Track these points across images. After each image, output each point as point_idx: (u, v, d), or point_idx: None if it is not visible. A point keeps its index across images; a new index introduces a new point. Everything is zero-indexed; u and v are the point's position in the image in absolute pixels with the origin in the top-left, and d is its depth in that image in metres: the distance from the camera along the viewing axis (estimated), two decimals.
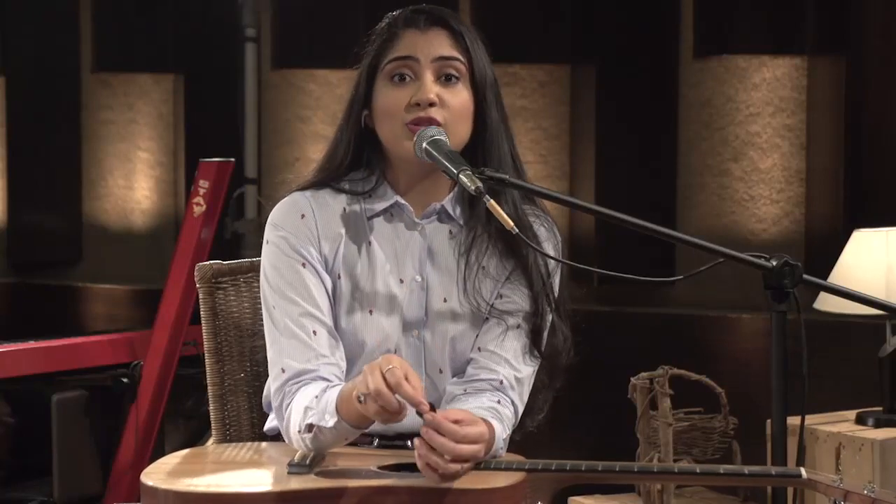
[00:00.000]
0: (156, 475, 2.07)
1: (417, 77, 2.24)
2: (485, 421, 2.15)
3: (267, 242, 2.28)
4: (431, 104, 2.22)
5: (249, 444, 2.33)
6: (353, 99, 2.31)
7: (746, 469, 2.06)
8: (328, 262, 2.28)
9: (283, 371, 2.22)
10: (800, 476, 2.01)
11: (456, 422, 2.01)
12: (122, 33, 5.91)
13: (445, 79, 2.25)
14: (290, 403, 2.20)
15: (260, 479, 2.09)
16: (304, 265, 2.24)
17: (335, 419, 2.09)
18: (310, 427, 2.13)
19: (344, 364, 2.25)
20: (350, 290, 2.27)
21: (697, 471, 2.12)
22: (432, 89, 2.23)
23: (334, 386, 2.16)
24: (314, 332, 2.22)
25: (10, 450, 4.53)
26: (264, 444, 2.32)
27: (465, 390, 2.26)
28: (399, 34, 2.27)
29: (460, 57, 2.25)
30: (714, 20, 4.93)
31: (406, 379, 1.99)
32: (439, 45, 2.25)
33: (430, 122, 2.21)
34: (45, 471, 4.39)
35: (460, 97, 2.25)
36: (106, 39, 5.96)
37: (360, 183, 2.31)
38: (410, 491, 2.01)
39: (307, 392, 2.18)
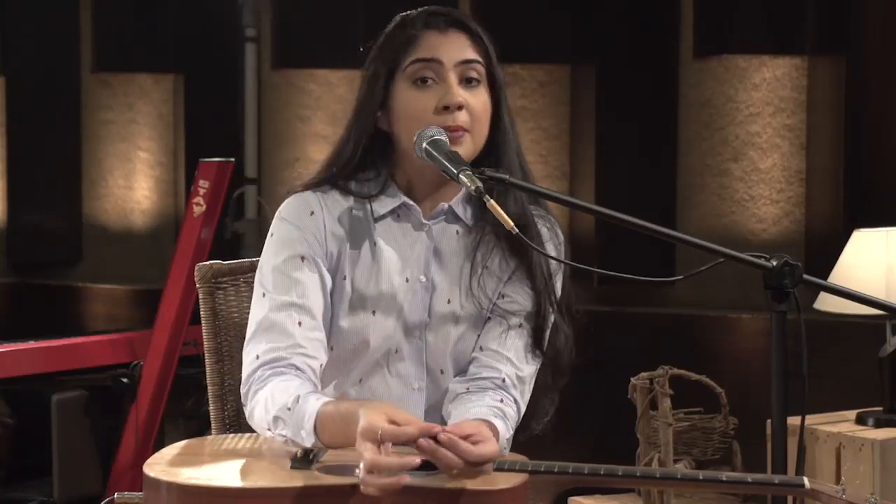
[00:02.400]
0: (159, 466, 2.06)
1: (441, 80, 2.24)
2: (488, 421, 2.15)
3: (271, 235, 2.28)
4: (460, 107, 2.22)
5: (251, 434, 2.32)
6: (366, 99, 2.29)
7: (749, 477, 2.05)
8: (333, 260, 2.27)
9: (258, 357, 2.21)
10: (803, 485, 2.00)
11: (467, 437, 2.00)
12: (122, 33, 5.91)
13: (467, 82, 2.25)
14: (258, 390, 2.18)
15: (263, 475, 2.09)
16: (303, 259, 2.24)
17: (313, 439, 2.08)
18: (283, 436, 2.13)
19: (322, 360, 2.23)
20: (354, 291, 2.27)
21: (700, 477, 2.11)
22: (459, 92, 2.23)
23: (308, 396, 2.12)
24: (299, 323, 2.21)
25: (10, 450, 4.53)
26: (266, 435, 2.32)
27: (468, 389, 2.26)
28: (418, 35, 2.26)
29: (481, 60, 2.26)
30: (714, 20, 4.93)
31: (394, 421, 1.96)
32: (461, 47, 2.26)
33: (459, 129, 2.21)
34: (45, 471, 4.39)
35: (482, 100, 2.26)
36: (106, 39, 5.96)
37: (366, 184, 2.31)
38: (412, 490, 2.01)
39: (276, 388, 2.16)
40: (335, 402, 2.10)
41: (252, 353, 2.22)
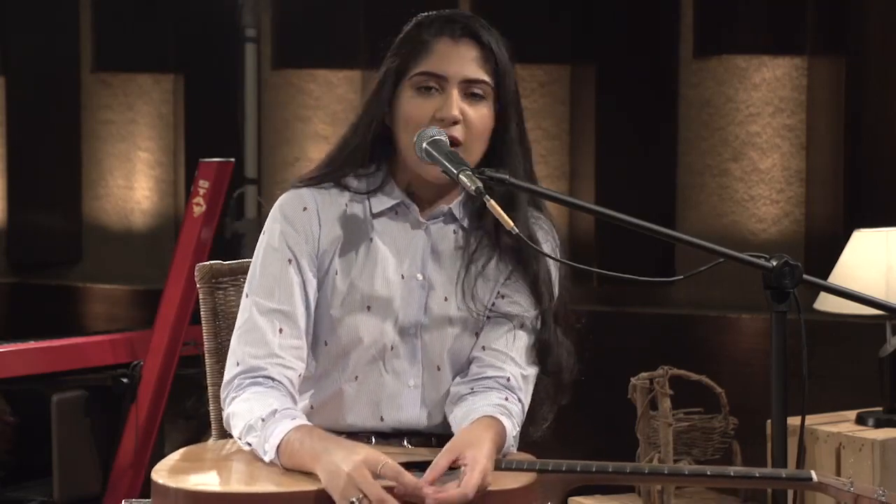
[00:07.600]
0: (166, 472, 2.06)
1: (443, 90, 2.24)
2: (494, 418, 2.16)
3: (264, 233, 2.30)
4: (455, 122, 2.22)
5: None
6: (375, 97, 2.30)
7: (757, 471, 2.05)
8: (325, 258, 2.28)
9: (238, 364, 2.23)
10: (810, 479, 2.00)
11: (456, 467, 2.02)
12: (122, 33, 5.91)
13: (471, 96, 2.26)
14: (235, 398, 2.21)
15: (271, 479, 2.08)
16: (290, 261, 2.25)
17: (273, 457, 2.09)
18: (249, 444, 2.15)
19: (300, 369, 2.24)
20: (348, 287, 2.27)
21: (708, 472, 2.11)
22: (457, 106, 2.23)
23: (284, 413, 2.14)
24: (280, 330, 2.23)
25: (10, 450, 4.53)
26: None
27: (473, 389, 2.26)
28: (430, 42, 2.26)
29: (487, 79, 2.26)
30: (714, 20, 4.93)
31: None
32: (468, 63, 2.25)
33: (452, 141, 2.21)
34: (45, 471, 4.38)
35: (482, 115, 2.26)
36: (106, 39, 5.96)
37: (365, 180, 2.31)
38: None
39: (253, 397, 2.18)
40: (306, 432, 2.09)
41: (233, 359, 2.25)
